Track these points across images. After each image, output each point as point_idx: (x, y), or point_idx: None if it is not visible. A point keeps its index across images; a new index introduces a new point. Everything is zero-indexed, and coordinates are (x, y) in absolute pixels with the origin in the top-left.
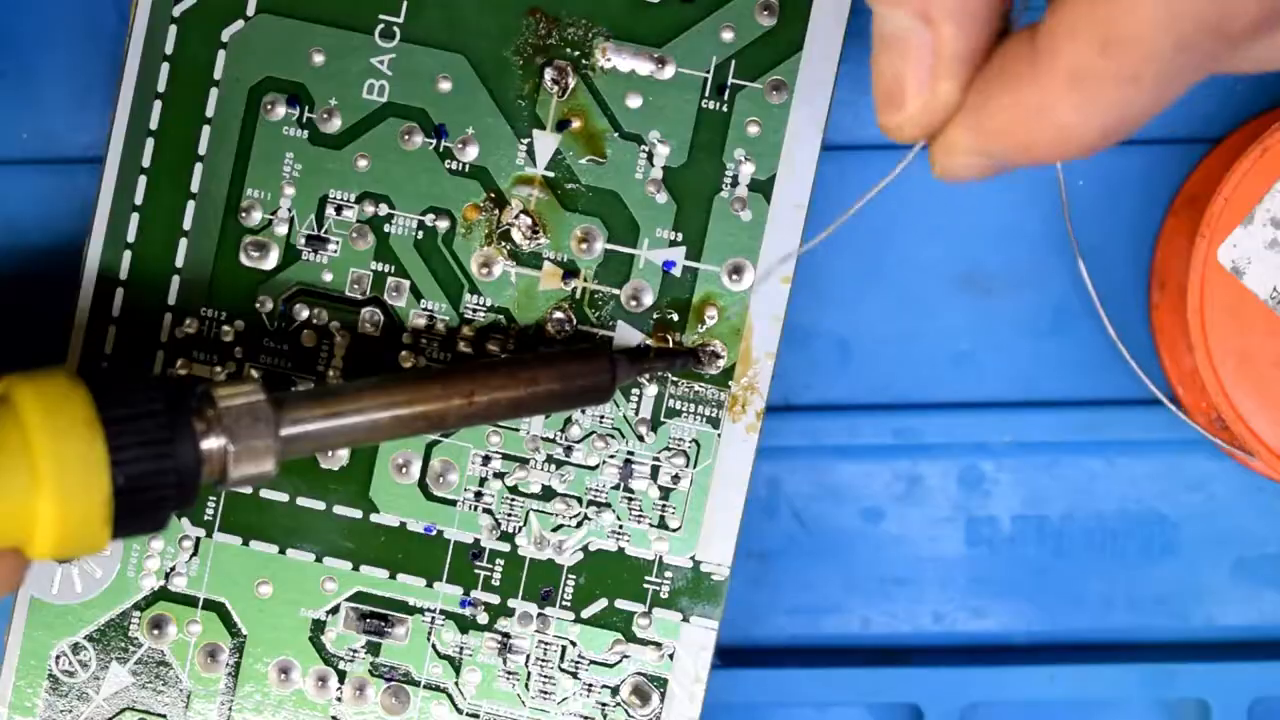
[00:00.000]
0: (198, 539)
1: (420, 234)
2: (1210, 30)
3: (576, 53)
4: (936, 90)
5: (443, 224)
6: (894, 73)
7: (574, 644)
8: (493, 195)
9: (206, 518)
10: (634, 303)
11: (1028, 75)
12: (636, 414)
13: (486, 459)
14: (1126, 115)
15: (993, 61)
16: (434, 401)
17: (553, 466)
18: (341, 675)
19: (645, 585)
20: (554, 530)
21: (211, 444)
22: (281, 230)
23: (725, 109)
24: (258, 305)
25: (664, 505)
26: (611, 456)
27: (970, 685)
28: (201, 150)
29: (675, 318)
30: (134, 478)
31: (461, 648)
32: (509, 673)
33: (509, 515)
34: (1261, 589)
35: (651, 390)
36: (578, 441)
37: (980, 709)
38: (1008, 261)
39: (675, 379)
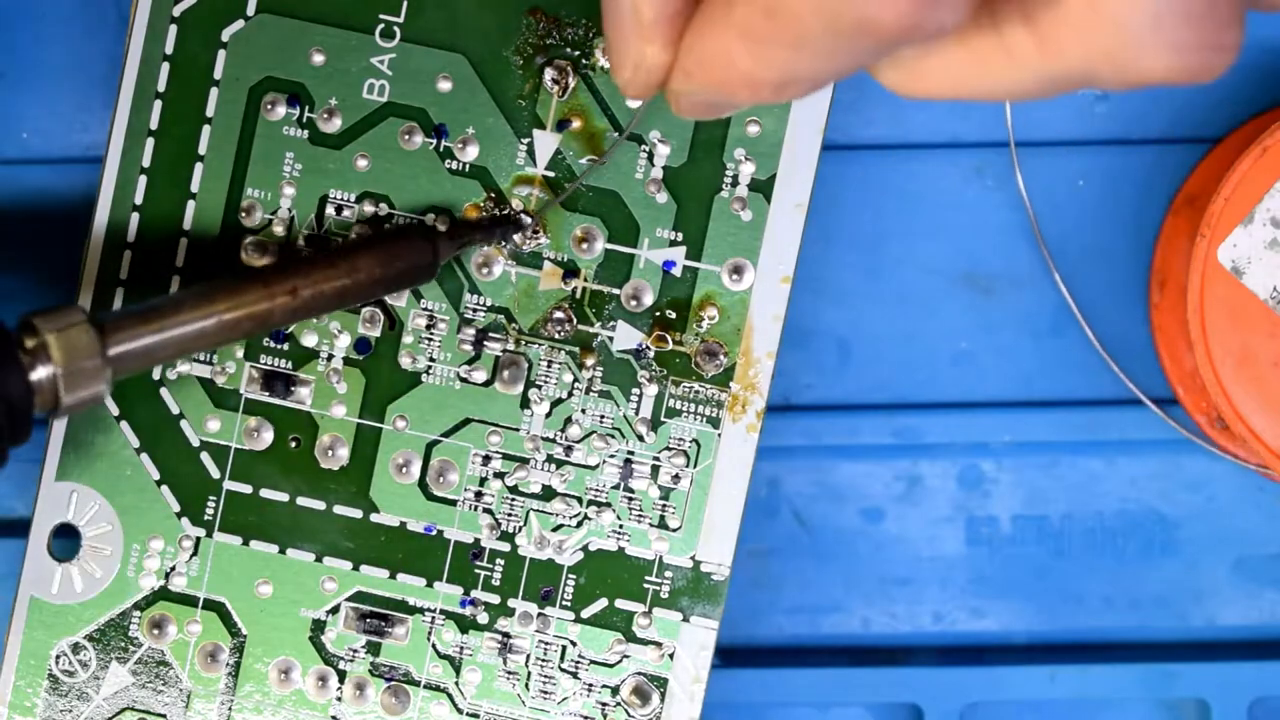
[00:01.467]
0: (198, 539)
1: None
2: (855, 28)
3: (577, 52)
4: (644, 54)
5: (443, 224)
6: (612, 38)
7: (574, 644)
8: (493, 195)
9: (206, 518)
10: (634, 302)
11: (713, 27)
12: (637, 414)
13: (486, 459)
14: (798, 75)
15: (695, 17)
16: (258, 302)
17: (553, 466)
18: (341, 675)
19: (645, 585)
20: (554, 530)
21: (40, 374)
22: (281, 230)
23: None
24: None
25: (664, 505)
26: (612, 456)
27: (970, 685)
28: (201, 150)
29: (675, 316)
30: None
31: (461, 647)
32: (509, 672)
33: (509, 515)
34: (1261, 589)
35: (652, 390)
36: (578, 441)
37: (980, 709)
38: (1008, 261)
39: (675, 379)
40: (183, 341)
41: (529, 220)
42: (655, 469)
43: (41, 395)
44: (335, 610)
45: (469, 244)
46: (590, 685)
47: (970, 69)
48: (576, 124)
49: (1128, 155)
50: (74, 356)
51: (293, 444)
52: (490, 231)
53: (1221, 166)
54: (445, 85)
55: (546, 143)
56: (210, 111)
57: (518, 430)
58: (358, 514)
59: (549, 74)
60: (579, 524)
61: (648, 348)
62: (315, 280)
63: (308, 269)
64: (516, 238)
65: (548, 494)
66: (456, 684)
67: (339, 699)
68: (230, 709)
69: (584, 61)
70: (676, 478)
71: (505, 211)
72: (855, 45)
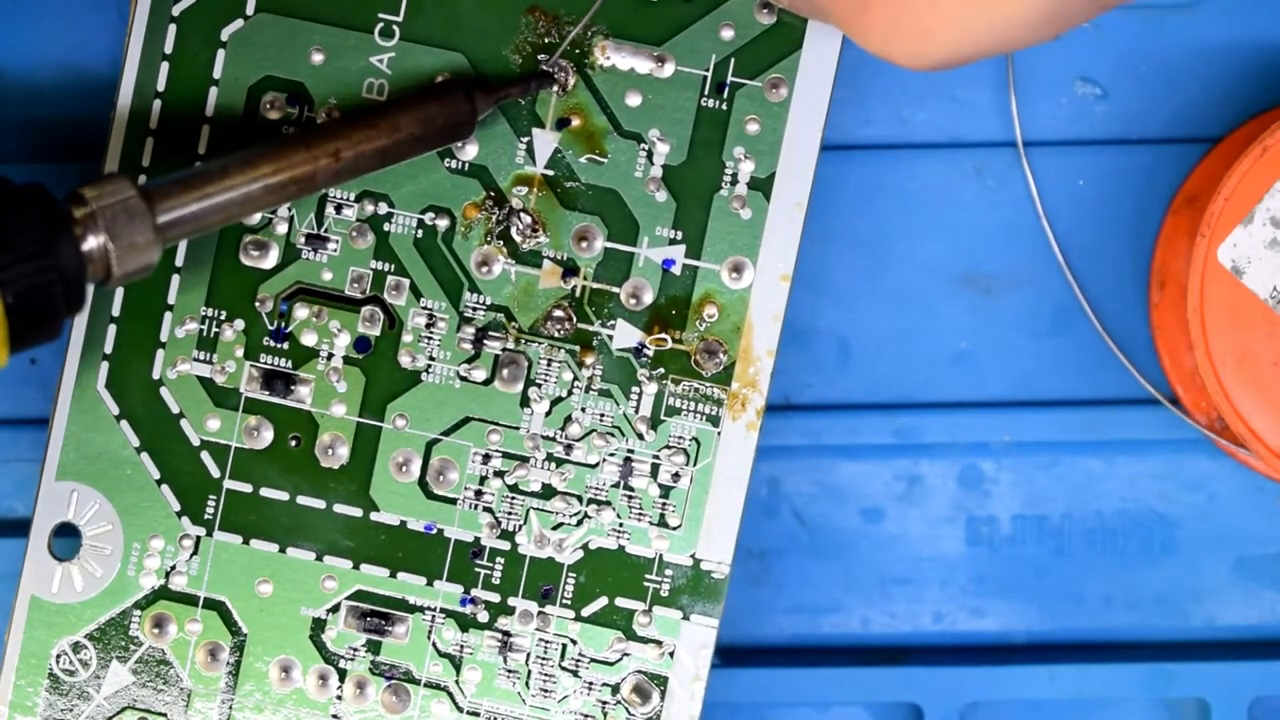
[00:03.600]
0: (198, 538)
1: (420, 233)
2: None
3: (576, 51)
4: None
5: (442, 223)
6: None
7: (574, 642)
8: (492, 194)
9: (207, 516)
10: (634, 301)
11: None
12: (636, 412)
13: (486, 457)
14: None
15: None
16: (301, 165)
17: (553, 465)
18: (342, 674)
19: (645, 583)
20: (554, 528)
21: (92, 246)
22: (281, 229)
23: (725, 107)
24: (257, 304)
25: (664, 503)
26: (612, 454)
27: (970, 685)
28: (201, 150)
29: (674, 315)
30: (23, 295)
31: (462, 646)
32: (509, 671)
33: (509, 513)
34: (1261, 589)
35: (651, 388)
36: (578, 440)
37: (980, 709)
38: (1008, 261)
39: (675, 378)
40: (229, 206)
41: (560, 75)
42: (655, 467)
43: (93, 266)
44: (335, 609)
45: (506, 98)
46: (590, 683)
47: None
48: (576, 122)
49: (1128, 155)
50: (124, 226)
51: (293, 443)
52: (526, 85)
53: (1221, 166)
54: None
55: (545, 141)
56: (210, 111)
57: (517, 429)
58: (358, 513)
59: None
60: (579, 522)
61: (647, 346)
62: (357, 141)
63: (349, 130)
64: (516, 236)
65: (548, 492)
66: (457, 682)
67: (339, 698)
68: (231, 708)
69: (584, 60)
70: (676, 476)
71: (540, 67)
72: None
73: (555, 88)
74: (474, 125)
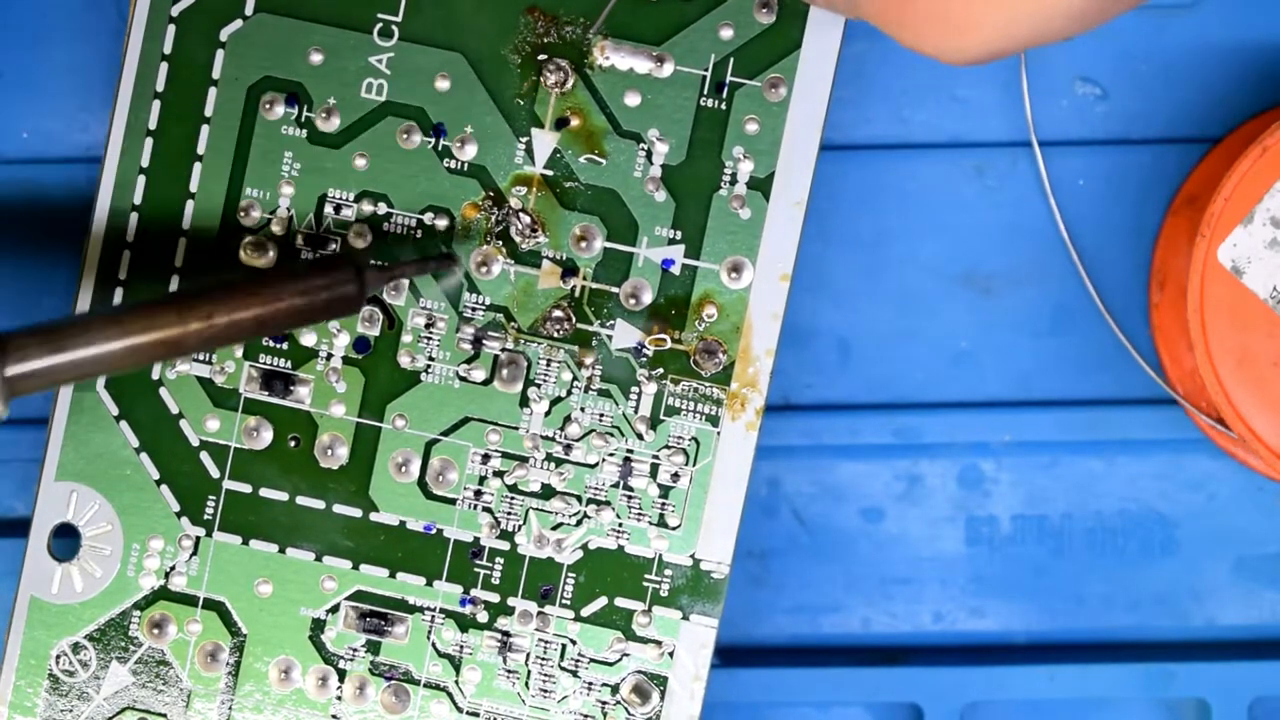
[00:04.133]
0: (197, 538)
1: (419, 233)
2: None
3: (575, 50)
4: None
5: (441, 223)
6: None
7: (574, 642)
8: (491, 194)
9: (206, 517)
10: (633, 301)
11: None
12: (636, 412)
13: (486, 457)
14: None
15: None
16: (170, 328)
17: (552, 465)
18: (342, 674)
19: (645, 583)
20: (553, 528)
21: None
22: (280, 229)
23: (724, 107)
24: None
25: (664, 503)
26: (611, 454)
27: (970, 685)
28: (200, 150)
29: (674, 315)
30: None
31: (461, 646)
32: (509, 671)
33: (508, 514)
34: (1261, 589)
35: (651, 388)
36: (577, 440)
37: (980, 709)
38: (1008, 261)
39: (674, 378)
40: (86, 365)
41: (460, 259)
42: (655, 467)
43: None
44: (335, 609)
45: (399, 276)
46: (590, 684)
47: None
48: (575, 122)
49: (1128, 155)
50: None
51: (292, 443)
52: (424, 265)
53: (1221, 166)
54: (443, 84)
55: (545, 141)
56: (209, 111)
57: (517, 429)
58: (357, 513)
59: (548, 72)
60: (578, 522)
61: (646, 346)
62: (233, 307)
63: (225, 296)
64: (515, 236)
65: (547, 492)
66: (456, 683)
67: (339, 698)
68: (230, 708)
69: (582, 60)
70: (676, 476)
71: (439, 251)
72: None
73: (461, 266)
74: (362, 303)
